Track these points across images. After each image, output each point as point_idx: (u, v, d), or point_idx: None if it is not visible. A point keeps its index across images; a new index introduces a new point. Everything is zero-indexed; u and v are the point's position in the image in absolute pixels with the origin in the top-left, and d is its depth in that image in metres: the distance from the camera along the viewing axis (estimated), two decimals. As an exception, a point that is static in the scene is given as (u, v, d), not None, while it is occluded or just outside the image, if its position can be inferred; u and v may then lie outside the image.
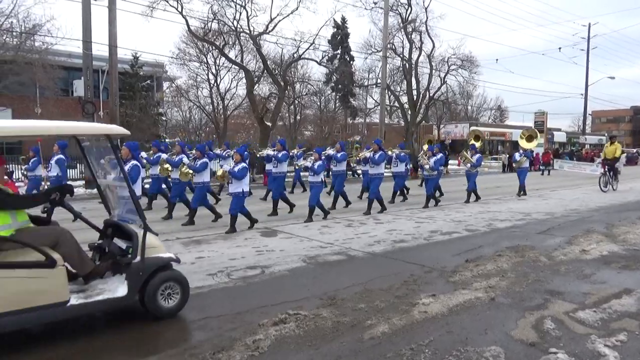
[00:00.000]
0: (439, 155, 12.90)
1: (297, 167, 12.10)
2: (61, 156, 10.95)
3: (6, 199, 3.96)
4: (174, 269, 4.65)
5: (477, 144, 18.22)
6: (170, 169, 10.73)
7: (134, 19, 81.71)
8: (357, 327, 4.19)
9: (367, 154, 11.73)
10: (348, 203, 12.36)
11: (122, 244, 4.59)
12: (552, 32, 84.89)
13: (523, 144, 16.81)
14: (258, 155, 15.59)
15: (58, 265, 3.80)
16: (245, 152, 9.48)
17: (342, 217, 10.70)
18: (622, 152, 18.87)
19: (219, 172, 9.53)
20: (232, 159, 9.93)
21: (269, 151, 13.29)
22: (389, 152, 13.49)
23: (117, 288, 4.16)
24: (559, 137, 52.33)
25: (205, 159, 10.14)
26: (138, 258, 4.26)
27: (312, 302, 4.85)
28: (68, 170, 14.36)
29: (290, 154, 14.50)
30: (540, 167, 28.58)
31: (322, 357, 3.66)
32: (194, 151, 11.09)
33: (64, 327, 4.15)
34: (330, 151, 14.67)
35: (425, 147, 14.92)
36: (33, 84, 26.47)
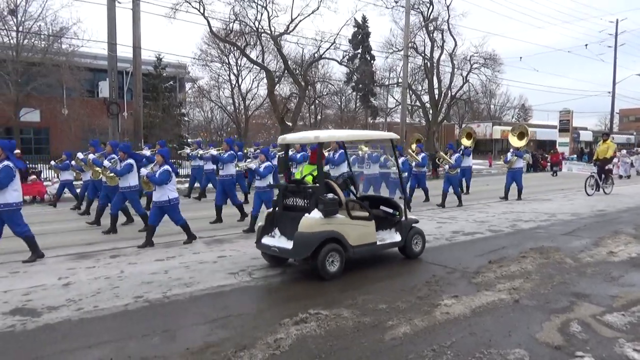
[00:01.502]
0: (421, 155, 12.78)
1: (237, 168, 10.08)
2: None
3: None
4: (416, 226, 6.74)
5: (468, 143, 15.89)
6: (100, 171, 9.61)
7: (157, 21, 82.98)
8: (378, 328, 4.17)
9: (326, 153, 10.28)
10: None
11: (388, 209, 6.75)
12: (579, 29, 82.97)
13: (514, 142, 14.79)
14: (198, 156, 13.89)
15: (372, 220, 6.17)
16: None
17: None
18: (615, 152, 16.94)
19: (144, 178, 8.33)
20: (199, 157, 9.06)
21: (212, 151, 12.26)
22: (360, 151, 12.89)
23: (395, 237, 6.54)
24: (585, 136, 51.12)
25: (130, 161, 8.68)
26: (403, 218, 6.60)
27: (333, 302, 4.84)
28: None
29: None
30: (553, 168, 27.87)
31: (343, 357, 3.64)
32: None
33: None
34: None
35: (414, 146, 14.15)
36: (60, 85, 27.11)
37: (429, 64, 34.61)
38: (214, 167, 12.55)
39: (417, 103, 39.53)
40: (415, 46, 33.97)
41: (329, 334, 4.05)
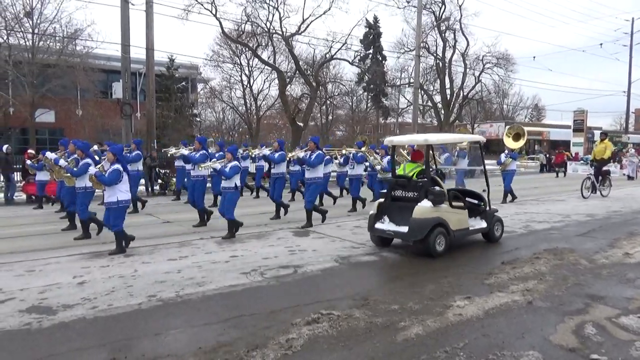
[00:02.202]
0: (386, 159, 11.62)
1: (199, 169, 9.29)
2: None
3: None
4: (497, 215, 7.92)
5: (515, 145, 15.52)
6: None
7: (170, 23, 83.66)
8: (390, 329, 4.16)
9: (301, 154, 10.14)
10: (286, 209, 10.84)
11: (472, 200, 7.85)
12: (593, 28, 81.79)
13: (509, 143, 14.00)
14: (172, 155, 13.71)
15: (466, 209, 7.37)
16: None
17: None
18: (614, 152, 16.43)
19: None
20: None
21: (183, 151, 11.49)
22: (343, 152, 12.43)
23: (481, 224, 7.65)
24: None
25: (87, 160, 8.27)
26: (487, 208, 7.78)
27: (344, 303, 4.84)
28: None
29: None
30: (555, 169, 27.02)
31: (355, 358, 3.65)
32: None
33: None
34: (265, 150, 12.65)
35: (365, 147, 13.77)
36: (74, 86, 27.45)
37: (440, 63, 34.46)
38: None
39: (429, 103, 39.39)
40: (427, 46, 33.84)
41: (340, 335, 4.05)
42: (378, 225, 7.30)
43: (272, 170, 10.64)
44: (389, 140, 8.21)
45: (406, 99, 42.56)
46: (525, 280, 5.55)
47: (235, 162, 8.27)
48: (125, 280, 5.67)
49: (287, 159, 10.84)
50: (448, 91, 34.97)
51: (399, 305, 4.72)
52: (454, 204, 7.16)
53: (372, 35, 42.08)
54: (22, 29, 23.76)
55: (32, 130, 25.03)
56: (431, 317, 4.41)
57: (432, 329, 4.14)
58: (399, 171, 7.85)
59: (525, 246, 7.46)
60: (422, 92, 36.23)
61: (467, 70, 34.37)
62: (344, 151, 12.76)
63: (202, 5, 23.54)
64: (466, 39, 33.50)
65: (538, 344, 3.81)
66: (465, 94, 36.58)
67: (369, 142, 15.62)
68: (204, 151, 10.05)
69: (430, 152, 7.70)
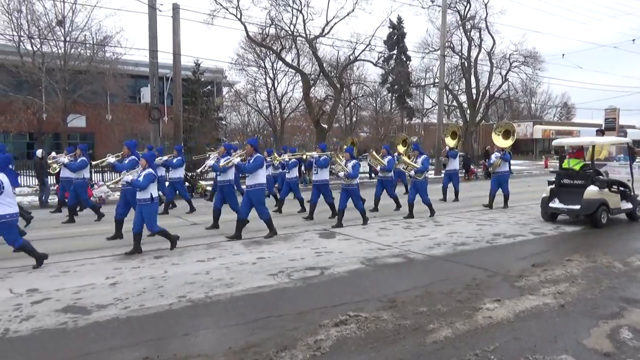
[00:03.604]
0: (387, 159, 11.78)
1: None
2: (180, 158, 12.09)
3: None
4: (638, 198, 9.90)
5: (452, 143, 14.36)
6: None
7: (196, 28, 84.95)
8: (418, 331, 4.14)
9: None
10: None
11: (621, 187, 9.77)
12: (625, 24, 79.26)
13: (498, 141, 12.66)
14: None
15: (618, 193, 9.62)
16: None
17: (399, 219, 10.57)
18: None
19: None
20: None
21: (110, 159, 9.69)
22: (305, 156, 11.37)
23: (627, 205, 9.68)
24: (633, 134, 48.97)
25: (149, 170, 7.42)
26: (632, 193, 9.87)
27: (372, 304, 4.83)
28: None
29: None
30: None
31: (384, 360, 3.64)
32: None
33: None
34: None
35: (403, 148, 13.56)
36: (104, 92, 28.16)
37: (466, 63, 34.02)
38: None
39: (454, 103, 38.90)
40: (452, 45, 33.46)
41: (369, 336, 4.05)
42: (551, 205, 9.66)
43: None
44: (558, 142, 10.66)
45: (431, 99, 42.17)
46: (556, 283, 5.44)
47: (150, 170, 7.29)
48: (155, 281, 5.79)
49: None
50: (474, 91, 34.46)
51: (427, 308, 4.68)
52: (611, 189, 9.33)
53: (396, 36, 41.87)
54: (55, 37, 24.50)
55: (64, 135, 25.74)
56: (460, 319, 4.37)
57: (461, 332, 4.10)
58: (564, 165, 10.12)
59: (556, 248, 7.31)
60: (447, 92, 35.81)
61: (494, 69, 33.83)
62: (304, 156, 11.55)
63: (227, 9, 23.85)
64: (492, 37, 32.99)
65: (571, 348, 3.73)
66: (491, 93, 36.00)
67: (357, 145, 14.58)
68: (180, 157, 10.19)
69: (590, 150, 10.02)
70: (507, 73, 34.46)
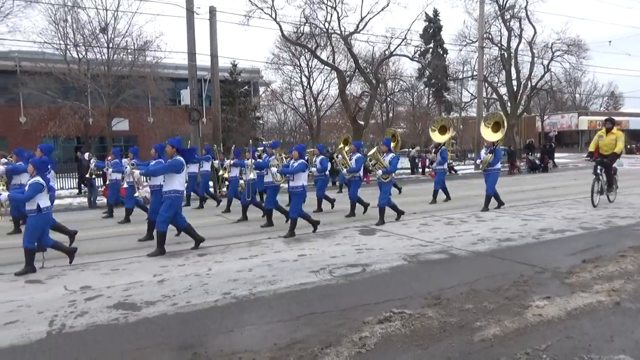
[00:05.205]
0: (355, 157, 10.79)
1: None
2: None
3: None
4: None
5: (442, 139, 13.22)
6: None
7: (232, 29, 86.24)
8: (465, 328, 4.05)
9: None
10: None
11: None
12: (677, 6, 74.91)
13: (487, 134, 11.38)
14: None
15: None
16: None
17: (441, 214, 10.40)
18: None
19: None
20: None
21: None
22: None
23: None
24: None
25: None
26: None
27: (416, 302, 4.77)
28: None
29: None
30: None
31: (430, 358, 3.58)
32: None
33: None
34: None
35: (342, 146, 12.46)
36: (145, 95, 29.02)
37: (505, 54, 33.09)
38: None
39: (494, 96, 37.93)
40: (490, 37, 32.64)
41: (414, 334, 3.99)
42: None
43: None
44: None
45: (469, 92, 41.30)
46: (610, 279, 5.21)
47: (38, 178, 6.49)
48: (200, 278, 5.92)
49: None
50: (514, 82, 33.48)
51: (473, 305, 4.58)
52: None
53: (432, 29, 41.19)
54: (99, 44, 25.44)
55: (109, 139, 26.72)
56: (509, 317, 4.25)
57: (510, 330, 3.98)
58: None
59: (607, 243, 7.00)
60: (487, 84, 34.93)
61: (535, 59, 32.81)
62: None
63: (262, 10, 24.15)
64: (533, 26, 31.98)
65: (629, 348, 3.56)
66: (533, 84, 34.88)
67: (350, 141, 13.89)
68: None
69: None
70: (549, 63, 33.37)
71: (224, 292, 5.33)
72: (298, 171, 8.64)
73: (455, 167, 25.76)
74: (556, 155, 27.36)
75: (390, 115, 41.75)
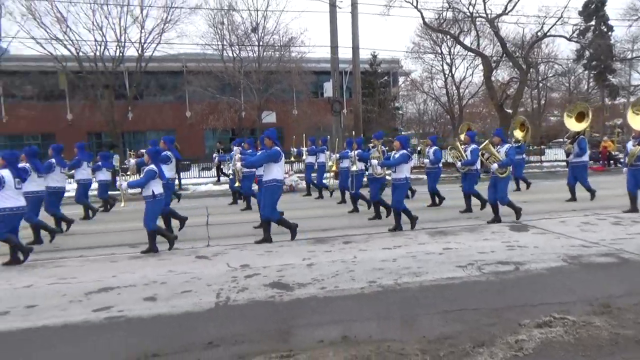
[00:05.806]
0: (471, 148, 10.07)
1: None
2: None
3: None
4: None
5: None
6: None
7: (373, 20, 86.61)
8: (643, 343, 3.57)
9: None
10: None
11: None
12: None
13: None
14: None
15: None
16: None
17: (606, 213, 9.26)
18: None
19: None
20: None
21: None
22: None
23: None
24: None
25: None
26: None
27: (579, 308, 4.33)
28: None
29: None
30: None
31: (601, 371, 3.24)
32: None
33: None
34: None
35: (462, 136, 11.84)
36: (291, 89, 30.75)
37: (692, 26, 27.99)
38: None
39: (674, 76, 32.44)
40: (671, 7, 27.88)
41: (579, 343, 3.64)
42: None
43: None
44: None
45: (640, 74, 35.88)
46: None
47: (152, 166, 7.30)
48: (346, 265, 6.11)
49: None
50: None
51: (652, 318, 4.01)
52: None
53: (594, 4, 36.64)
54: (250, 43, 27.59)
55: (259, 130, 28.89)
56: (702, 335, 3.64)
57: None
58: None
59: None
60: (664, 63, 30.02)
61: None
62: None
63: (403, -2, 23.77)
64: None
65: None
66: None
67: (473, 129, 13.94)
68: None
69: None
70: None
71: (370, 280, 5.42)
72: (400, 162, 8.38)
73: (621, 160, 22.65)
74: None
75: (542, 102, 38.25)
